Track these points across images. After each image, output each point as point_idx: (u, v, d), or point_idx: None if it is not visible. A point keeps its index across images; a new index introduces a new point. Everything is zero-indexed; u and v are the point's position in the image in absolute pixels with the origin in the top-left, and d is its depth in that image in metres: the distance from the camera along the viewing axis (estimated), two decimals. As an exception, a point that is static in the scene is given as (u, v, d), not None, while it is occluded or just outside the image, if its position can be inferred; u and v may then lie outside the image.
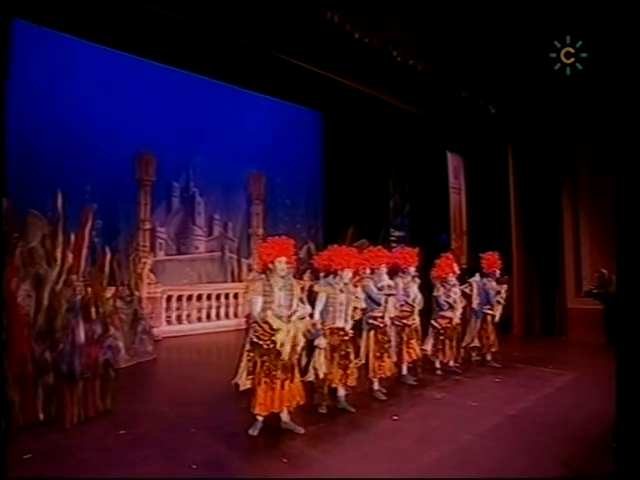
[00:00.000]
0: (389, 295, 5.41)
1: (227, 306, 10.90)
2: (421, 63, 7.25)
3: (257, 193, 11.85)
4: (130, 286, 8.02)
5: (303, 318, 4.34)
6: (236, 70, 9.70)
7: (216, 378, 6.17)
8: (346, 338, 4.91)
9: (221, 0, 6.53)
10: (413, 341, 5.94)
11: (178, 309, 10.11)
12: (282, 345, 4.10)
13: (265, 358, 4.22)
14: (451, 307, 6.53)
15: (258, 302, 4.23)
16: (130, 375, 6.37)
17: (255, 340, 4.27)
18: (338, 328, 4.85)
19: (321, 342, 4.64)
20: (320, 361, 4.66)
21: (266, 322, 4.15)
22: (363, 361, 5.27)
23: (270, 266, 4.32)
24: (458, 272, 6.86)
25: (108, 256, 6.89)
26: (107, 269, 6.81)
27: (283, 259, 4.29)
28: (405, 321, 5.90)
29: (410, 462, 3.83)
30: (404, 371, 5.99)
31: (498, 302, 7.05)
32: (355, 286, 5.15)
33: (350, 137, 11.77)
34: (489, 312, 6.96)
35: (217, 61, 9.32)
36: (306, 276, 5.38)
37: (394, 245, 7.77)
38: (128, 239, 9.41)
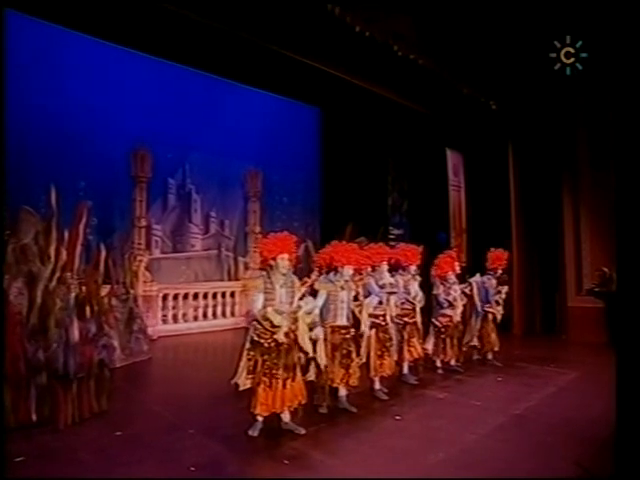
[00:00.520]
0: (391, 293, 5.31)
1: (224, 305, 10.77)
2: (423, 58, 7.16)
3: (254, 190, 11.71)
4: (125, 284, 7.88)
5: (310, 313, 4.24)
6: (233, 64, 9.56)
7: (213, 378, 6.13)
8: (348, 336, 4.81)
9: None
10: (414, 339, 5.85)
11: (174, 308, 9.99)
12: (279, 327, 4.02)
13: (266, 357, 4.12)
14: (451, 305, 6.47)
15: (259, 299, 4.12)
16: (125, 375, 6.29)
17: (256, 339, 4.17)
18: (340, 326, 4.75)
19: (318, 333, 4.49)
20: (321, 355, 4.54)
21: (267, 319, 4.04)
22: (364, 360, 5.16)
23: (271, 263, 4.21)
24: (459, 270, 6.78)
25: (103, 253, 6.77)
26: (102, 267, 6.70)
27: (285, 256, 4.19)
28: (406, 319, 5.81)
29: (415, 463, 3.75)
30: (405, 370, 5.90)
31: (497, 302, 6.97)
32: (357, 285, 5.05)
33: (348, 133, 11.68)
34: (490, 310, 6.89)
35: (214, 55, 9.19)
36: (313, 275, 5.26)
37: (392, 244, 7.67)
38: (123, 237, 9.25)
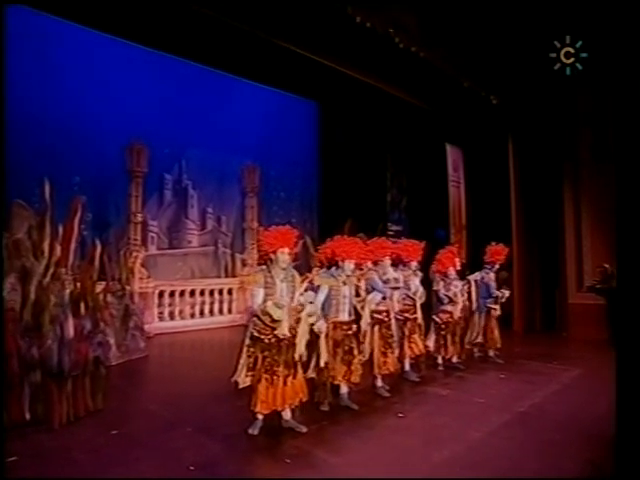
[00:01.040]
0: (394, 288, 5.22)
1: (221, 302, 10.69)
2: (424, 50, 7.04)
3: (251, 186, 11.58)
4: (121, 281, 7.77)
5: (311, 315, 4.14)
6: (230, 57, 9.39)
7: (211, 376, 6.01)
8: (350, 332, 4.71)
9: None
10: (415, 336, 5.76)
11: (170, 305, 9.88)
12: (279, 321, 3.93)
13: (266, 353, 4.02)
14: (451, 301, 6.39)
15: (259, 294, 4.02)
16: (121, 373, 6.18)
17: (256, 335, 4.06)
18: (342, 322, 4.64)
19: (321, 326, 4.37)
20: (323, 351, 4.43)
21: (266, 313, 3.93)
22: (367, 357, 5.06)
23: (272, 257, 4.10)
24: (459, 267, 6.70)
25: (98, 249, 6.68)
26: (97, 263, 6.60)
27: (285, 250, 4.08)
28: (407, 315, 5.72)
29: (420, 461, 3.68)
30: (407, 367, 5.82)
31: (496, 299, 6.90)
32: (358, 280, 4.95)
33: (347, 128, 11.58)
34: (492, 306, 6.81)
35: (211, 47, 9.02)
36: (314, 271, 5.16)
37: (392, 240, 7.59)
38: (119, 232, 9.13)
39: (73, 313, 4.68)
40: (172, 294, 9.92)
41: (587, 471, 3.50)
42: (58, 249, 5.73)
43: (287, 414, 4.17)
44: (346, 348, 4.67)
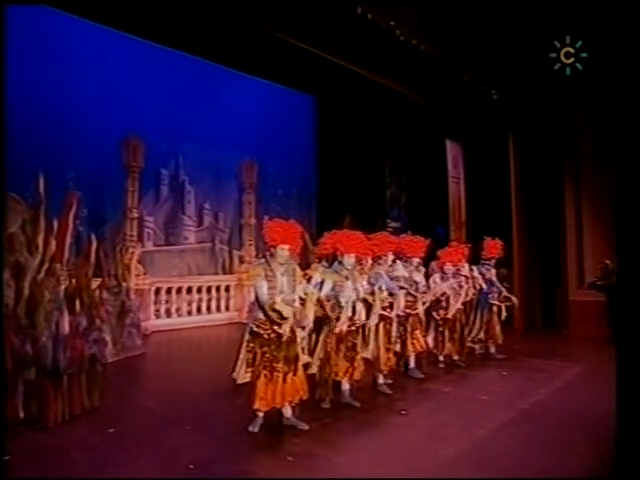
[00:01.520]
0: (401, 288, 5.16)
1: (218, 299, 10.55)
2: (425, 43, 6.95)
3: (249, 182, 11.43)
4: (117, 277, 7.64)
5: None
6: (229, 50, 9.27)
7: (209, 374, 5.96)
8: (353, 328, 4.61)
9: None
10: (417, 332, 5.69)
11: (167, 302, 9.76)
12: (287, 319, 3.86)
13: (266, 349, 3.94)
14: (450, 297, 6.29)
15: (263, 286, 3.92)
16: (118, 370, 6.07)
17: (255, 329, 3.98)
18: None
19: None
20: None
21: (275, 310, 3.83)
22: (375, 355, 4.97)
23: (272, 250, 4.02)
24: (465, 266, 6.62)
25: (94, 244, 6.54)
26: (93, 258, 6.47)
27: (286, 247, 4.00)
28: (409, 311, 5.63)
29: (424, 460, 3.60)
30: (412, 364, 5.74)
31: (499, 294, 6.83)
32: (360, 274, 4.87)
33: (345, 124, 11.46)
34: (495, 302, 6.75)
35: (209, 40, 8.90)
36: (313, 266, 5.07)
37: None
38: (114, 228, 8.98)
39: (68, 310, 4.59)
40: (169, 291, 9.79)
41: (595, 468, 3.44)
42: (53, 244, 5.61)
43: (288, 411, 4.09)
44: (349, 344, 4.59)
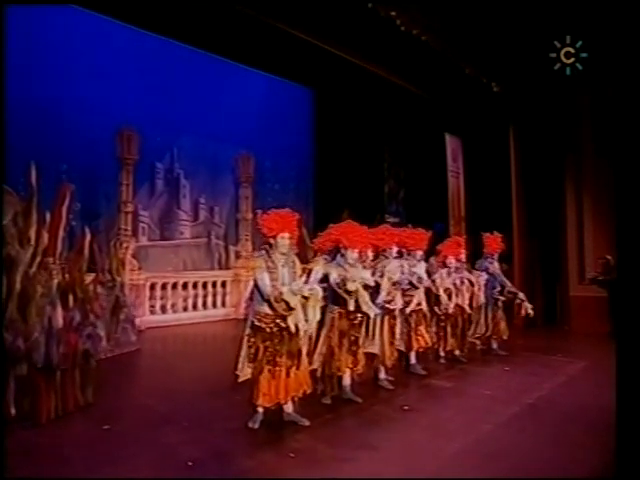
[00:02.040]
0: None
1: (214, 295, 10.42)
2: (426, 34, 6.83)
3: (246, 176, 11.28)
4: (111, 271, 7.48)
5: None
6: (225, 40, 9.13)
7: (206, 370, 5.86)
8: (356, 322, 4.51)
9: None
10: (422, 327, 5.59)
11: (162, 298, 9.60)
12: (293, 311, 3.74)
13: (268, 343, 3.82)
14: (452, 292, 6.20)
15: (266, 278, 3.80)
16: (112, 366, 5.93)
17: (257, 323, 3.85)
18: (348, 311, 4.43)
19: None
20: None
21: (282, 300, 3.71)
22: (376, 350, 4.86)
23: (271, 242, 3.91)
24: (464, 258, 6.55)
25: (88, 237, 6.40)
26: (87, 252, 6.32)
27: (286, 235, 3.89)
28: (413, 306, 5.52)
29: (432, 455, 3.52)
30: (413, 360, 5.65)
31: (503, 290, 6.74)
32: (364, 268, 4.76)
33: (343, 117, 11.31)
34: (500, 297, 6.67)
35: (205, 30, 8.75)
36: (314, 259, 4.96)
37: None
38: (108, 222, 8.83)
39: (61, 305, 4.46)
40: (164, 287, 9.64)
41: (607, 460, 3.36)
42: (45, 237, 5.46)
43: (289, 407, 3.98)
44: (352, 338, 4.49)
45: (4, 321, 4.24)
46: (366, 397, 4.68)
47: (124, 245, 8.62)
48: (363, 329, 4.62)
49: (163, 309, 9.61)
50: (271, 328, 3.81)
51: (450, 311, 6.16)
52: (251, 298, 4.12)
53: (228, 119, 10.81)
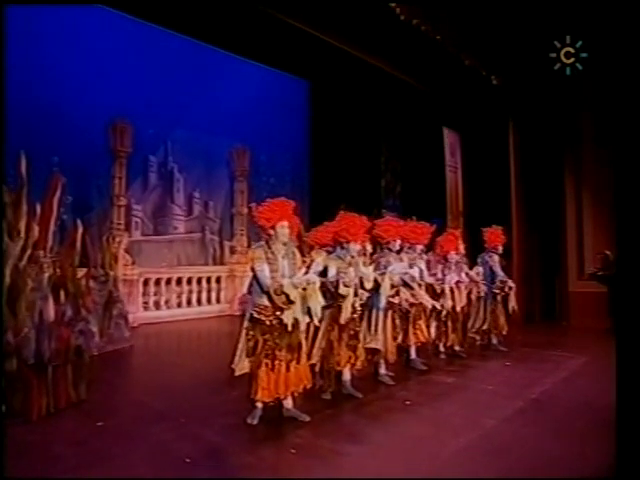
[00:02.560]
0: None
1: (209, 291, 10.29)
2: (426, 24, 6.71)
3: (241, 169, 11.14)
4: (104, 266, 7.32)
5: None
6: (220, 31, 8.92)
7: (202, 366, 5.79)
8: (355, 316, 4.41)
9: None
10: (421, 322, 5.50)
11: (156, 294, 9.45)
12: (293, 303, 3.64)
13: (267, 336, 3.71)
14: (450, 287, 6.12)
15: (266, 269, 3.68)
16: (105, 362, 5.78)
17: (256, 316, 3.74)
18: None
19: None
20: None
21: (282, 293, 3.60)
22: (379, 346, 4.76)
23: (270, 232, 3.78)
24: (462, 251, 6.46)
25: (80, 230, 6.23)
26: (79, 245, 6.16)
27: (285, 223, 3.78)
28: (412, 300, 5.42)
29: (437, 450, 3.43)
30: (413, 355, 5.56)
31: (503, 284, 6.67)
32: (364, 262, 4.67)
33: (339, 110, 11.18)
34: (499, 292, 6.59)
35: (200, 20, 8.56)
36: (314, 253, 4.85)
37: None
38: (101, 216, 8.64)
39: (53, 299, 4.35)
40: (157, 282, 9.50)
41: (611, 455, 3.30)
42: (36, 230, 5.30)
43: (289, 402, 3.88)
44: (351, 332, 4.39)
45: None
46: (366, 392, 4.59)
47: (117, 239, 8.44)
48: (364, 323, 4.52)
49: (157, 305, 9.47)
50: (271, 321, 3.70)
51: (447, 306, 6.08)
52: (250, 291, 4.00)
53: (223, 112, 10.63)
